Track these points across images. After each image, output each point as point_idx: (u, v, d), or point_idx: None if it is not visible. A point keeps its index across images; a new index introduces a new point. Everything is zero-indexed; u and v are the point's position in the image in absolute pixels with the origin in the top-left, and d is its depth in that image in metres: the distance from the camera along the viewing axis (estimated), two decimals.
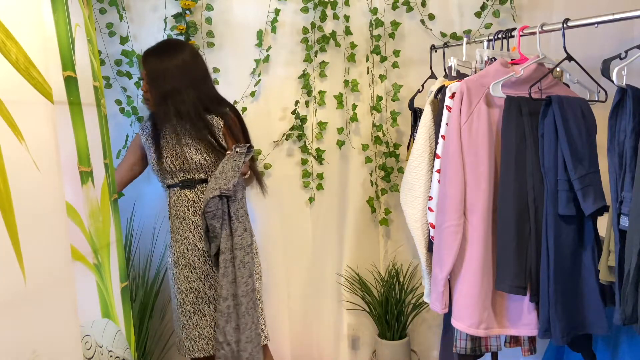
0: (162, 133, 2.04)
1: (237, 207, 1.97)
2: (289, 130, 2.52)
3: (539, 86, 1.70)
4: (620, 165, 1.40)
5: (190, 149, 2.01)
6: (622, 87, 1.38)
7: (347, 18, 2.50)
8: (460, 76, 1.90)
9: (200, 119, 2.01)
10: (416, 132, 1.90)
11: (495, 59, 1.85)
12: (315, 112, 2.54)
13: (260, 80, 2.49)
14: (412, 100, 2.23)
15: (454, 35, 2.46)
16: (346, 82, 2.54)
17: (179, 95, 1.99)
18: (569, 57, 1.68)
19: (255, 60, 2.47)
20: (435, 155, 1.81)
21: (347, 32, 2.51)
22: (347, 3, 2.48)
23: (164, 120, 2.02)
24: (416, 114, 2.20)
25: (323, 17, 2.47)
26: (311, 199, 2.58)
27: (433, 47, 2.27)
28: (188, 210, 2.05)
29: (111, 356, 1.65)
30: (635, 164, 1.37)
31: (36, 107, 1.31)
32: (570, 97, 1.66)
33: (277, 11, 2.45)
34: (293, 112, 2.51)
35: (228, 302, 1.94)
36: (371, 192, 2.62)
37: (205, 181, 2.04)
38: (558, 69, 1.83)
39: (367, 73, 2.56)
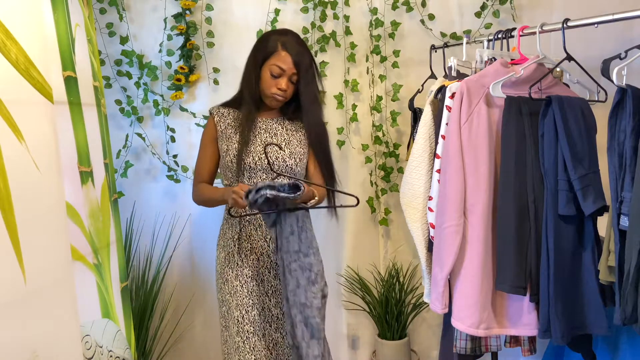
0: (252, 125, 1.88)
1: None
2: None
3: (538, 86, 1.70)
4: (620, 165, 1.40)
5: (284, 151, 1.86)
6: (622, 87, 1.38)
7: (347, 18, 2.50)
8: (460, 76, 1.89)
9: (326, 131, 1.96)
10: (416, 132, 1.90)
11: (495, 59, 1.85)
12: None
13: None
14: (412, 100, 2.23)
15: (454, 35, 2.46)
16: (346, 82, 2.54)
17: (319, 100, 1.93)
18: (569, 57, 1.68)
19: None
20: (435, 155, 1.81)
21: (347, 32, 2.51)
22: (347, 3, 2.48)
23: (313, 120, 1.89)
24: (416, 114, 2.20)
25: (323, 17, 2.47)
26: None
27: (433, 47, 2.27)
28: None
29: (111, 356, 1.65)
30: (635, 164, 1.37)
31: (36, 107, 1.31)
32: (570, 97, 1.66)
33: (277, 11, 2.45)
34: None
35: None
36: (371, 192, 2.62)
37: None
38: (558, 69, 1.83)
39: (367, 73, 2.56)
